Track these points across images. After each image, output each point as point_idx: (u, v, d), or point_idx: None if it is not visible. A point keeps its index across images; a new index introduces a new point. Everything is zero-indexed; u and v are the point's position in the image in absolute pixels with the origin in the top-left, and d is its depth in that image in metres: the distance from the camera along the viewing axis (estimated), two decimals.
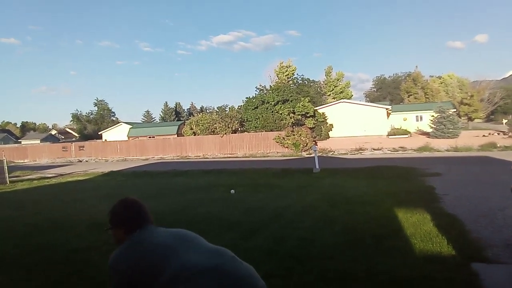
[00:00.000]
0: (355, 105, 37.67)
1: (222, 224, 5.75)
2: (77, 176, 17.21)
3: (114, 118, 69.10)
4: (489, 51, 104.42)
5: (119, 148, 33.34)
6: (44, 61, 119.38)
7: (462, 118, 44.51)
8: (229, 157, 26.96)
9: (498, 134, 29.17)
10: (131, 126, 48.25)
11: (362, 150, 23.26)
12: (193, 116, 39.88)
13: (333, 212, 6.38)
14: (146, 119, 73.89)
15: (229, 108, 50.71)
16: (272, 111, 30.30)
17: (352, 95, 59.45)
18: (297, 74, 50.30)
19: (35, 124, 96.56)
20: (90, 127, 65.40)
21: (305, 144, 25.83)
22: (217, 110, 60.02)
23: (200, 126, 32.48)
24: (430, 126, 30.53)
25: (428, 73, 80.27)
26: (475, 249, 4.11)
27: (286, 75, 49.21)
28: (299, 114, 30.08)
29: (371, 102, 53.49)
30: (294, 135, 26.35)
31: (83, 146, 35.41)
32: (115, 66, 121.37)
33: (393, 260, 3.81)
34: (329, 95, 57.66)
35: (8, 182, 15.33)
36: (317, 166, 13.50)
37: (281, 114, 29.83)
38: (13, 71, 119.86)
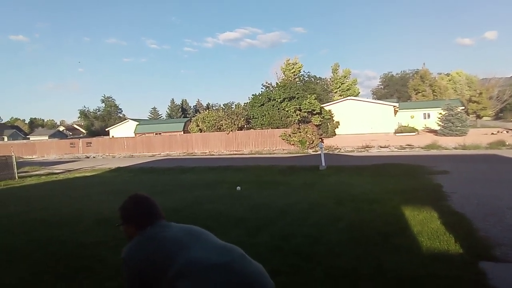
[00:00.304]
0: (362, 103, 37.43)
1: (228, 221, 5.77)
2: (84, 172, 17.36)
3: (121, 115, 69.51)
4: (498, 48, 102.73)
5: (126, 144, 33.56)
6: (52, 58, 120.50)
7: (471, 115, 44.06)
8: (235, 154, 27.00)
9: (507, 132, 28.82)
10: (138, 123, 48.51)
11: (369, 147, 23.13)
12: (199, 113, 39.92)
13: (339, 209, 6.36)
14: (152, 116, 74.21)
15: (235, 105, 50.74)
16: (279, 108, 30.26)
17: (359, 93, 59.08)
18: (304, 71, 50.17)
19: (43, 120, 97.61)
20: (98, 123, 65.86)
21: (311, 142, 25.77)
22: (223, 107, 60.10)
23: (206, 123, 32.54)
24: (438, 123, 30.26)
25: (436, 71, 79.38)
26: (483, 247, 4.07)
27: (292, 72, 49.02)
28: (305, 111, 30.00)
29: (378, 99, 53.17)
30: (300, 132, 26.29)
31: (91, 143, 35.70)
32: (122, 63, 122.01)
33: (400, 258, 3.80)
34: (336, 92, 57.35)
35: (17, 177, 15.54)
36: (323, 164, 13.46)
37: (287, 111, 29.78)
38: (22, 68, 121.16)
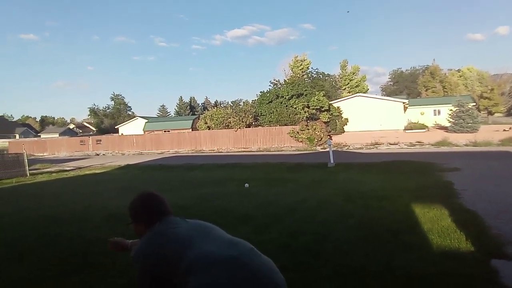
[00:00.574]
0: (371, 99, 37.14)
1: (236, 218, 5.77)
2: (94, 169, 17.55)
3: (130, 113, 70.11)
4: (510, 43, 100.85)
5: (135, 142, 33.83)
6: (62, 56, 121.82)
7: (482, 112, 43.40)
8: (243, 151, 27.02)
9: None
10: (146, 121, 48.83)
11: (378, 144, 22.95)
12: (208, 110, 40.08)
13: (348, 206, 6.32)
14: (161, 113, 74.66)
15: (243, 102, 50.74)
16: (287, 106, 30.15)
17: (368, 89, 58.67)
18: (312, 68, 49.87)
19: (53, 118, 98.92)
20: (107, 121, 66.51)
21: (319, 139, 25.65)
22: (231, 104, 60.18)
23: (215, 120, 32.61)
24: (448, 120, 29.86)
25: (447, 67, 78.45)
26: (495, 245, 4.00)
27: (300, 69, 48.83)
28: (313, 108, 29.84)
29: (387, 96, 52.64)
30: (308, 129, 26.19)
31: (100, 140, 36.06)
32: (131, 61, 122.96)
33: (410, 255, 3.75)
34: (345, 89, 57.00)
35: (28, 174, 15.78)
36: (332, 161, 13.39)
37: (295, 108, 29.65)
38: (33, 67, 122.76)
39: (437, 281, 3.15)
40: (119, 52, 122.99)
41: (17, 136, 68.61)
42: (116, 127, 54.20)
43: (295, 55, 51.21)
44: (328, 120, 31.10)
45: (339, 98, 40.58)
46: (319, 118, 29.64)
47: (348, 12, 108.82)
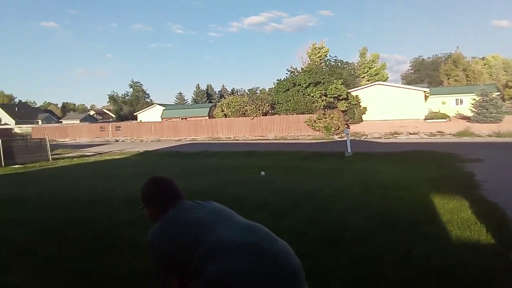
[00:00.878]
0: (391, 88, 36.29)
1: (252, 205, 5.80)
2: (114, 155, 17.94)
3: (148, 100, 70.90)
4: None
5: (153, 128, 34.31)
6: (81, 44, 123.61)
7: (507, 102, 41.89)
8: (260, 140, 27.05)
9: None
10: (164, 108, 49.30)
11: (397, 134, 22.56)
12: (224, 98, 40.10)
13: (365, 196, 6.26)
14: (178, 101, 75.21)
15: (260, 90, 50.48)
16: (304, 94, 29.87)
17: (388, 78, 57.26)
18: (330, 55, 48.97)
19: (74, 105, 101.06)
20: (126, 108, 67.49)
21: (337, 128, 25.40)
22: (248, 92, 60.01)
23: (231, 108, 32.65)
24: (471, 110, 28.98)
25: (470, 54, 75.80)
26: None
27: (318, 57, 48.04)
28: (331, 97, 29.47)
29: (408, 84, 51.37)
30: (325, 118, 25.94)
31: (120, 127, 36.74)
32: (148, 48, 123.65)
33: (429, 246, 3.71)
34: (363, 77, 55.85)
35: (50, 159, 16.27)
36: (349, 150, 13.26)
37: (312, 96, 29.35)
38: (54, 54, 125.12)
39: (456, 272, 3.10)
40: (137, 40, 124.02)
41: (40, 122, 70.52)
42: (134, 114, 54.98)
43: (313, 42, 50.41)
44: (346, 109, 30.68)
45: (357, 87, 39.82)
46: (337, 107, 29.28)
47: None
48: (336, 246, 3.86)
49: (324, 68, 39.96)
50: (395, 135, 22.58)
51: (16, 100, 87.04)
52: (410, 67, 79.87)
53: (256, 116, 30.25)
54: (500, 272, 3.13)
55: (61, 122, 69.55)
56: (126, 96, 71.74)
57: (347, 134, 14.50)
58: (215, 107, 37.66)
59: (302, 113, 28.59)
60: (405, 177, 7.99)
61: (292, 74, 34.26)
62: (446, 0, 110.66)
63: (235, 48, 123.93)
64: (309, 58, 49.03)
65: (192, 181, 8.55)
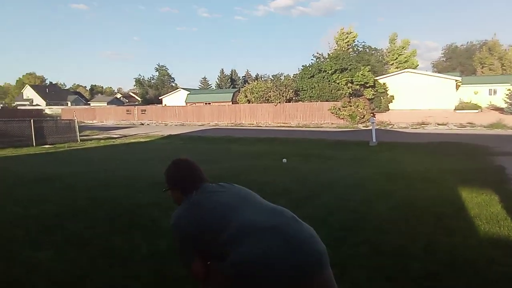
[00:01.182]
0: (421, 76, 34.96)
1: (273, 191, 5.79)
2: (139, 138, 18.35)
3: (173, 84, 71.62)
4: None
5: (177, 113, 34.77)
6: (109, 26, 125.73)
7: None
8: (282, 126, 26.92)
9: None
10: (188, 92, 49.67)
11: (425, 124, 21.91)
12: (248, 83, 39.95)
13: (389, 186, 6.12)
14: (202, 85, 75.60)
15: (284, 76, 50.02)
16: (329, 81, 29.32)
17: (418, 65, 55.14)
18: (358, 41, 47.64)
19: (102, 87, 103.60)
20: (152, 92, 68.46)
21: (362, 116, 24.90)
22: (272, 78, 59.51)
23: (255, 94, 32.54)
24: (505, 101, 27.65)
25: (508, 42, 71.85)
26: None
27: (346, 42, 46.81)
28: (357, 84, 28.80)
29: (439, 72, 49.42)
30: (351, 106, 25.46)
31: (145, 110, 37.45)
32: (175, 32, 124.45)
33: (454, 240, 3.59)
34: (392, 64, 54.08)
35: (79, 140, 16.84)
36: (374, 139, 12.98)
37: (338, 83, 28.78)
38: (83, 36, 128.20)
39: (483, 269, 3.00)
40: (164, 23, 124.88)
41: (69, 103, 72.86)
42: (159, 98, 55.74)
43: (341, 27, 49.12)
44: (373, 97, 29.93)
45: (385, 74, 38.69)
46: (363, 95, 28.62)
47: None
48: (357, 234, 3.80)
49: (352, 54, 38.99)
50: (422, 125, 21.93)
51: (47, 82, 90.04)
52: (442, 55, 76.68)
53: (279, 102, 30.04)
54: None
55: (89, 104, 71.63)
56: (152, 79, 72.70)
57: (373, 123, 14.17)
58: (239, 92, 37.65)
59: (327, 101, 28.15)
60: (432, 169, 7.75)
61: (317, 60, 33.65)
62: None
63: (260, 33, 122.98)
64: (336, 44, 47.87)
65: (213, 165, 8.63)
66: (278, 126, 27.16)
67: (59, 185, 6.80)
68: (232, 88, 60.11)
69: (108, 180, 7.16)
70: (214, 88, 70.70)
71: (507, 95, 27.32)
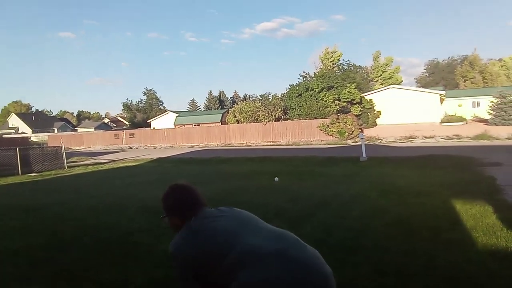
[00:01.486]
0: (405, 91, 35.76)
1: (268, 211, 5.70)
2: (128, 162, 18.08)
3: (162, 107, 71.55)
4: None
5: (166, 135, 34.59)
6: (97, 53, 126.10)
7: None
8: (272, 145, 26.95)
9: None
10: (177, 115, 49.70)
11: (413, 138, 22.20)
12: (237, 104, 40.18)
13: (383, 202, 6.10)
14: (191, 107, 75.79)
15: (272, 96, 50.51)
16: (317, 99, 29.72)
17: (402, 81, 56.55)
18: (343, 59, 48.70)
19: (89, 113, 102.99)
20: (140, 115, 68.24)
21: (350, 132, 25.15)
22: (260, 98, 60.06)
23: (244, 114, 32.70)
24: (488, 112, 28.34)
25: (487, 56, 74.40)
26: None
27: (331, 61, 47.83)
28: (344, 101, 29.24)
29: (422, 87, 50.61)
30: (339, 122, 25.73)
31: (133, 134, 37.17)
32: (162, 56, 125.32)
33: (454, 254, 3.55)
34: (377, 81, 55.34)
35: (66, 167, 16.49)
36: (364, 155, 13.04)
37: (325, 101, 29.17)
38: (70, 64, 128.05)
39: (485, 283, 2.95)
40: (152, 48, 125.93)
41: (56, 130, 72.02)
42: (148, 121, 55.54)
43: (326, 47, 50.27)
44: (360, 113, 30.37)
45: (371, 90, 39.42)
46: (350, 111, 29.01)
47: None
48: (356, 254, 3.73)
49: (337, 72, 39.70)
50: (410, 139, 22.20)
51: (33, 109, 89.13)
52: (425, 70, 78.89)
53: (268, 121, 30.20)
54: None
55: (76, 130, 70.87)
56: (140, 103, 72.59)
57: (362, 138, 14.29)
58: (228, 113, 37.77)
59: (315, 118, 28.42)
60: (424, 182, 7.78)
61: (304, 79, 34.16)
62: (460, 1, 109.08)
63: (247, 55, 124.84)
64: (322, 63, 48.88)
65: (205, 187, 8.49)
66: (268, 145, 27.18)
67: (47, 215, 6.58)
68: (221, 109, 60.39)
69: (97, 207, 6.97)
70: (203, 109, 70.92)
71: (490, 106, 28.02)
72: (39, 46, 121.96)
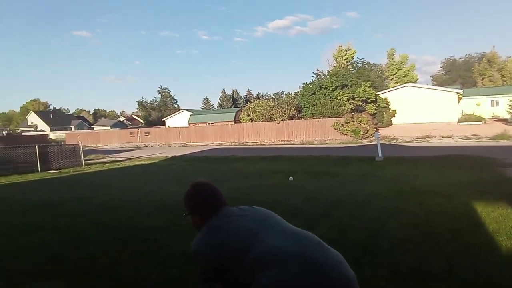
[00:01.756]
0: (421, 89, 35.09)
1: (283, 211, 5.67)
2: (143, 160, 18.30)
3: (176, 105, 72.14)
4: None
5: (180, 134, 34.87)
6: (112, 51, 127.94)
7: None
8: (286, 144, 26.87)
9: None
10: (191, 113, 50.02)
11: (429, 137, 21.80)
12: (250, 102, 40.19)
13: (400, 203, 6.00)
14: (205, 106, 76.19)
15: (286, 94, 50.40)
16: (330, 97, 29.47)
17: (418, 79, 55.58)
18: (357, 57, 48.17)
19: (105, 111, 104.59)
20: (154, 114, 68.93)
21: (365, 131, 24.86)
22: (274, 96, 59.99)
23: (257, 112, 32.68)
24: (508, 111, 27.67)
25: (506, 54, 72.40)
26: None
27: (345, 59, 47.33)
28: (359, 100, 28.90)
29: (439, 86, 49.63)
30: (353, 121, 25.46)
31: (148, 132, 37.59)
32: (175, 55, 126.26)
33: (476, 258, 3.45)
34: (392, 79, 54.48)
35: (83, 164, 16.79)
36: (380, 154, 12.87)
37: (339, 100, 28.90)
38: (86, 62, 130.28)
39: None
40: (165, 46, 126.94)
41: (73, 128, 73.43)
42: (163, 119, 56.09)
43: (339, 44, 49.76)
44: (375, 112, 29.98)
45: (386, 89, 38.85)
46: (365, 110, 28.67)
47: None
48: (373, 255, 3.67)
49: (351, 70, 39.33)
50: (427, 138, 21.81)
51: (51, 108, 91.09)
52: (441, 68, 77.39)
53: (282, 120, 30.11)
54: None
55: (93, 128, 72.09)
56: (155, 102, 73.34)
57: (378, 137, 14.10)
58: (241, 111, 37.83)
59: (329, 117, 28.21)
60: (442, 183, 7.61)
61: (318, 77, 33.97)
62: None
63: (260, 53, 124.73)
64: (336, 61, 48.41)
65: (220, 186, 8.37)
66: (282, 144, 27.11)
67: (65, 211, 6.71)
68: (234, 107, 60.51)
69: (114, 204, 7.07)
70: (216, 108, 71.22)
71: (510, 106, 27.29)
72: (56, 45, 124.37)
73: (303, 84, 32.85)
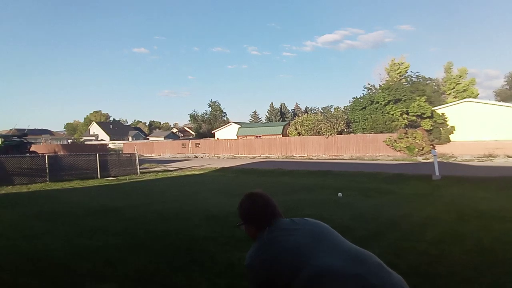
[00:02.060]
0: (483, 105, 32.66)
1: (333, 228, 5.52)
2: (194, 171, 18.86)
3: (225, 118, 73.89)
4: None
5: (229, 146, 35.55)
6: (167, 67, 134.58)
7: None
8: (335, 159, 26.30)
9: None
10: (239, 126, 50.88)
11: (493, 156, 20.20)
12: (298, 116, 40.03)
13: (462, 226, 5.57)
14: (253, 119, 77.22)
15: (334, 108, 49.57)
16: (382, 112, 28.45)
17: (478, 94, 51.90)
18: (411, 71, 46.15)
19: (160, 123, 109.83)
20: (205, 126, 71.08)
21: (420, 148, 23.62)
22: (322, 110, 59.23)
23: (305, 126, 32.44)
24: None
25: None
26: None
27: (398, 73, 45.58)
28: (413, 115, 27.57)
29: (502, 101, 45.99)
30: (408, 137, 24.33)
31: (199, 144, 38.79)
32: (226, 70, 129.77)
33: None
34: (449, 94, 51.41)
35: (139, 172, 17.68)
36: (437, 173, 12.11)
37: (392, 114, 27.79)
38: (143, 77, 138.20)
39: None
40: (216, 62, 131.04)
41: (130, 138, 77.85)
42: (212, 131, 57.64)
43: (392, 58, 48.16)
44: (431, 128, 28.35)
45: (443, 104, 36.73)
46: (420, 126, 27.25)
47: None
48: (433, 282, 3.43)
49: (405, 84, 37.76)
50: (490, 157, 20.23)
51: (111, 119, 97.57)
52: (505, 82, 71.63)
53: (330, 134, 29.57)
54: None
55: (148, 138, 75.93)
56: (205, 114, 75.68)
57: (435, 155, 13.29)
58: (289, 125, 37.77)
59: (381, 132, 27.20)
60: (509, 207, 6.97)
61: (369, 91, 33.02)
62: None
63: (308, 67, 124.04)
64: (388, 75, 46.82)
65: None
66: (330, 159, 26.57)
67: (122, 217, 7.08)
68: (282, 121, 60.63)
69: (166, 213, 7.34)
70: (264, 121, 71.84)
71: None
72: (117, 61, 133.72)
73: (353, 98, 32.18)
